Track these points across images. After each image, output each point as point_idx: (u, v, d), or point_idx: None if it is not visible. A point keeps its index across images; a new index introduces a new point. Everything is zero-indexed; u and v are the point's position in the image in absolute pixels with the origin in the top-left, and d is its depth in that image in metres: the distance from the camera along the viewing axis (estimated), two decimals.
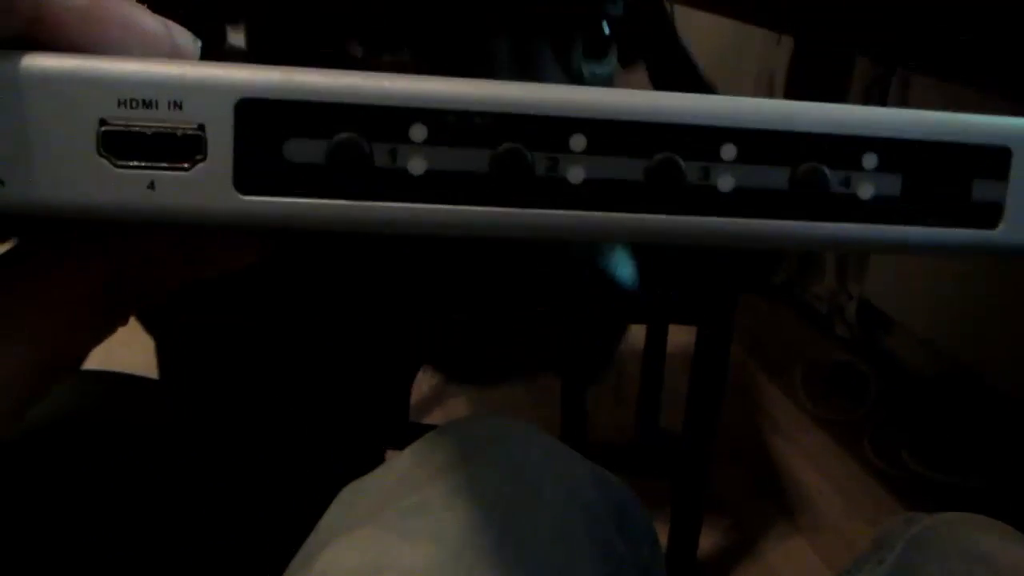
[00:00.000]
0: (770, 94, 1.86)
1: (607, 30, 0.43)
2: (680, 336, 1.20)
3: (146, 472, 0.47)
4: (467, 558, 0.32)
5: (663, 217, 0.19)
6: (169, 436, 0.50)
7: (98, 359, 0.28)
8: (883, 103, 1.53)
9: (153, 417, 0.52)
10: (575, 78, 0.42)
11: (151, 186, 0.18)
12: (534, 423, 0.41)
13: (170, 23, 0.20)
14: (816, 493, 1.25)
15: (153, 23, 0.19)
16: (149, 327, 0.60)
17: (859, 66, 1.54)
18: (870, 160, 0.20)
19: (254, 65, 0.19)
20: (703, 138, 0.19)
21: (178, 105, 0.18)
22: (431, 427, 0.42)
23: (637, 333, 1.34)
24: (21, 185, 0.18)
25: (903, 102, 1.49)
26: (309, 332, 0.55)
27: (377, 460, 0.40)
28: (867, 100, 1.54)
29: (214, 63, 0.19)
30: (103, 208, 0.18)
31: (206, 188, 0.18)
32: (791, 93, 1.60)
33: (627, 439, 1.31)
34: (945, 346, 1.40)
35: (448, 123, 0.19)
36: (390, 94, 0.19)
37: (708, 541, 1.14)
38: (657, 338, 1.26)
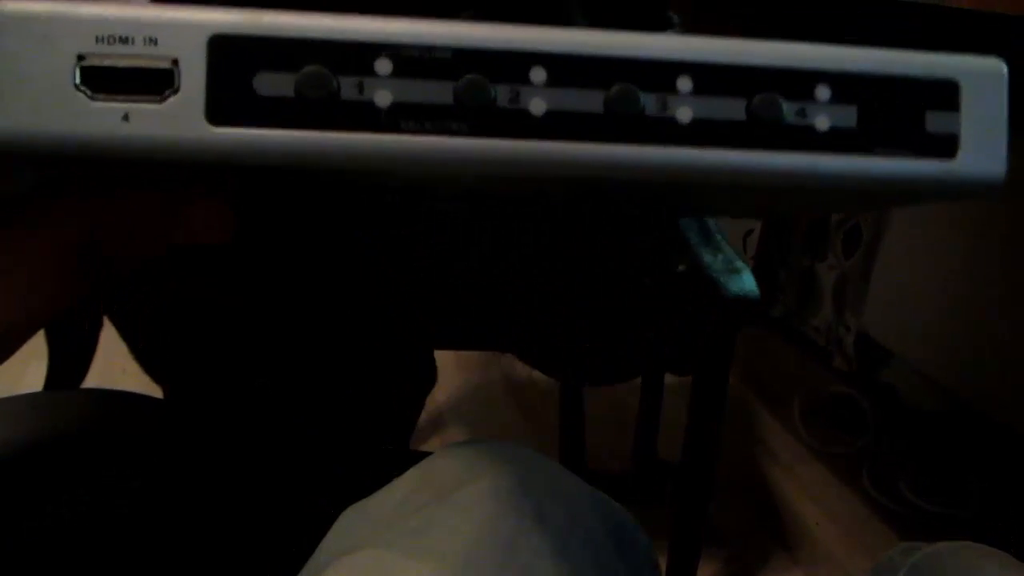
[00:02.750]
0: None
1: (677, 20, 0.45)
2: None
3: (148, 491, 0.47)
4: None
5: (623, 147, 0.20)
6: (171, 455, 0.50)
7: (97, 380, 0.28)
8: None
9: (155, 436, 0.51)
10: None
11: (125, 118, 0.19)
12: (534, 448, 0.41)
13: None
14: (814, 525, 1.25)
15: None
16: (155, 373, 0.60)
17: None
18: (823, 92, 0.21)
19: (225, 7, 0.20)
20: (660, 71, 0.20)
21: (153, 41, 0.19)
22: (428, 454, 0.42)
23: None
24: (1, 119, 0.18)
25: None
26: (320, 348, 0.55)
27: (380, 485, 0.40)
28: None
29: (188, 4, 0.20)
30: (78, 140, 0.19)
31: (178, 120, 0.19)
32: None
33: (625, 468, 1.31)
34: (943, 378, 1.40)
35: (412, 57, 0.19)
36: (355, 30, 0.19)
37: (706, 572, 1.13)
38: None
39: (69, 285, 0.22)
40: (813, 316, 1.67)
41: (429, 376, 0.81)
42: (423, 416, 1.40)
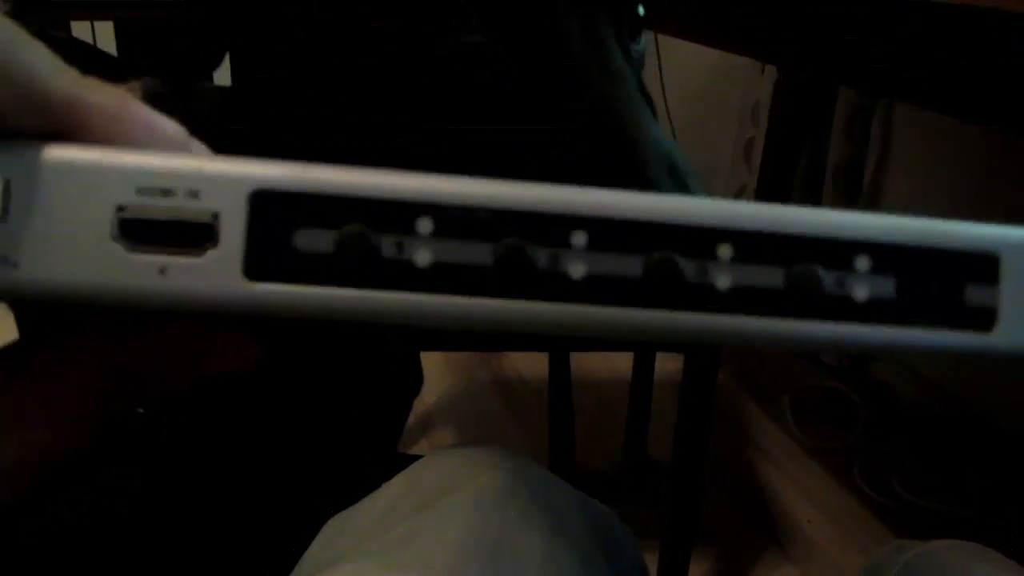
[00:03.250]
0: (754, 123, 1.88)
1: (641, 12, 0.47)
2: (667, 364, 1.20)
3: (147, 491, 0.46)
4: None
5: (661, 313, 0.20)
6: (156, 463, 0.50)
7: None
8: (866, 132, 1.54)
9: (150, 438, 0.51)
10: (625, 52, 0.47)
11: (163, 272, 0.19)
12: (522, 452, 0.41)
13: (190, 136, 0.20)
14: (806, 522, 1.25)
15: (174, 129, 0.20)
16: None
17: (842, 96, 1.56)
18: (863, 263, 0.21)
19: (268, 159, 0.19)
20: (700, 238, 0.20)
21: (195, 194, 0.19)
22: (417, 457, 0.41)
23: (625, 361, 1.34)
24: (35, 268, 0.18)
25: (886, 131, 1.50)
26: (306, 358, 0.55)
27: (367, 490, 0.40)
28: (849, 128, 1.56)
29: (230, 157, 0.19)
30: (115, 292, 0.19)
31: (217, 274, 0.19)
32: (775, 122, 1.62)
33: (615, 467, 1.30)
34: (933, 374, 1.40)
35: (453, 217, 0.19)
36: (398, 189, 0.19)
37: (697, 571, 1.13)
38: (644, 366, 1.25)
39: (92, 417, 0.21)
40: None
41: (415, 381, 0.81)
42: (412, 418, 1.40)
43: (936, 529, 1.19)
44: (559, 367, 1.19)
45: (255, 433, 0.57)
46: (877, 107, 1.51)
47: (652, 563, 1.03)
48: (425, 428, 1.42)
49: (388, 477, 0.40)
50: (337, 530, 0.38)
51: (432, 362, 1.52)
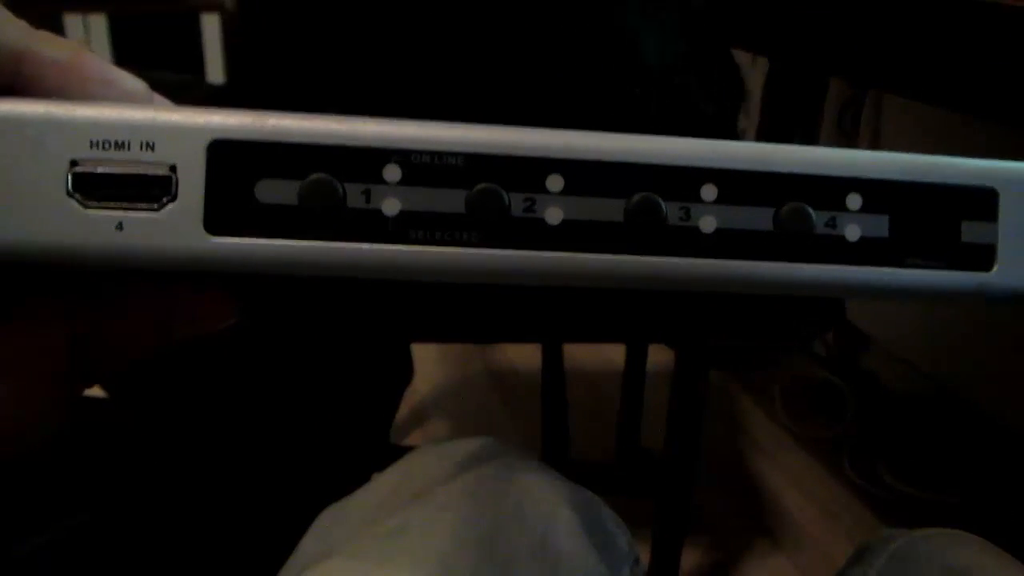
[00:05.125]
0: (745, 114, 1.88)
1: None
2: (660, 355, 1.20)
3: (125, 492, 0.46)
4: None
5: (644, 259, 0.19)
6: (148, 455, 0.50)
7: None
8: (856, 123, 1.55)
9: (130, 439, 0.51)
10: None
11: (119, 227, 0.18)
12: (515, 443, 0.41)
13: (151, 91, 0.19)
14: (797, 511, 1.25)
15: (134, 83, 0.19)
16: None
17: (833, 87, 1.56)
18: (855, 201, 0.20)
19: (226, 108, 0.19)
20: (683, 179, 0.19)
21: (150, 146, 0.18)
22: (410, 448, 0.41)
23: (617, 352, 1.34)
24: None
25: (876, 122, 1.51)
26: (296, 349, 0.55)
27: (360, 481, 0.40)
28: (840, 120, 1.56)
29: (186, 107, 0.19)
30: (71, 250, 0.18)
31: (175, 229, 0.18)
32: (766, 112, 1.62)
33: (608, 457, 1.31)
34: (922, 363, 1.41)
35: (422, 164, 0.19)
36: (363, 135, 0.19)
37: (690, 560, 1.14)
38: (636, 357, 1.26)
39: (58, 392, 0.20)
40: None
41: (405, 372, 0.81)
42: (406, 409, 1.40)
43: (925, 517, 1.20)
44: (552, 358, 1.19)
45: (247, 426, 0.57)
46: (867, 98, 1.52)
47: (644, 552, 1.03)
48: (418, 419, 1.42)
49: (381, 468, 0.40)
50: (330, 521, 0.38)
51: (425, 353, 1.52)
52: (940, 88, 0.65)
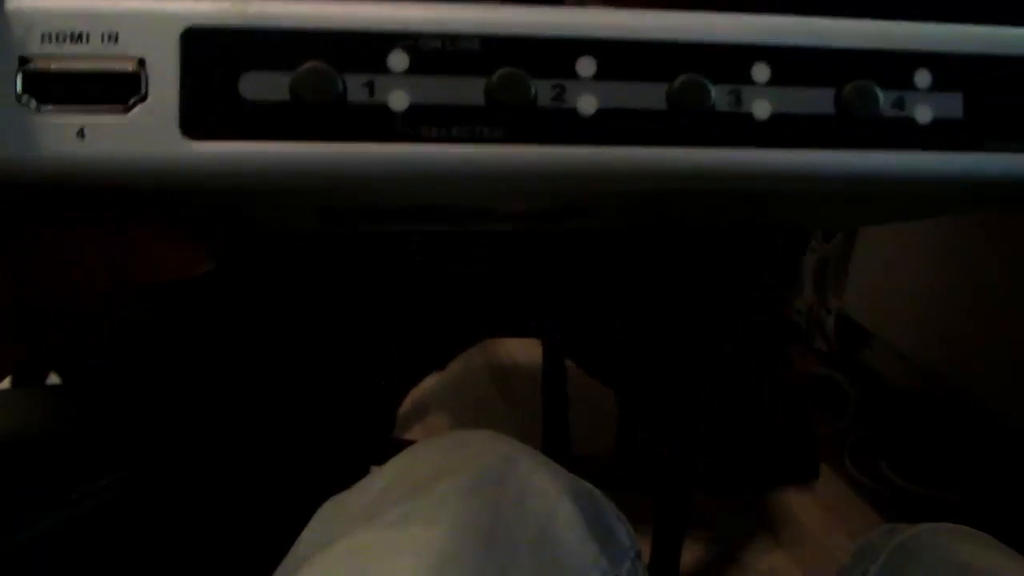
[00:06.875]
0: None
1: None
2: None
3: (124, 483, 0.46)
4: (448, 574, 0.32)
5: (690, 150, 0.17)
6: (145, 446, 0.50)
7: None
8: None
9: (130, 430, 0.51)
10: None
11: (80, 134, 0.15)
12: (516, 436, 0.41)
13: None
14: (797, 507, 1.25)
15: None
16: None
17: None
18: (924, 78, 0.17)
19: None
20: (732, 58, 0.17)
21: (113, 38, 0.15)
22: (411, 442, 0.41)
23: None
24: None
25: None
26: (299, 342, 0.55)
27: (360, 474, 0.40)
28: None
29: None
30: (25, 163, 0.15)
31: (147, 133, 0.15)
32: None
33: (609, 452, 1.31)
34: (923, 359, 1.41)
35: (433, 49, 0.16)
36: (364, 17, 0.16)
37: (691, 555, 1.14)
38: None
39: (5, 344, 0.18)
40: (794, 297, 1.68)
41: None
42: (407, 403, 1.40)
43: (926, 513, 1.20)
44: (553, 352, 1.19)
45: (249, 417, 0.57)
46: None
47: (645, 547, 1.03)
48: (420, 413, 1.42)
49: (382, 462, 0.40)
50: (331, 514, 0.38)
51: None
52: None
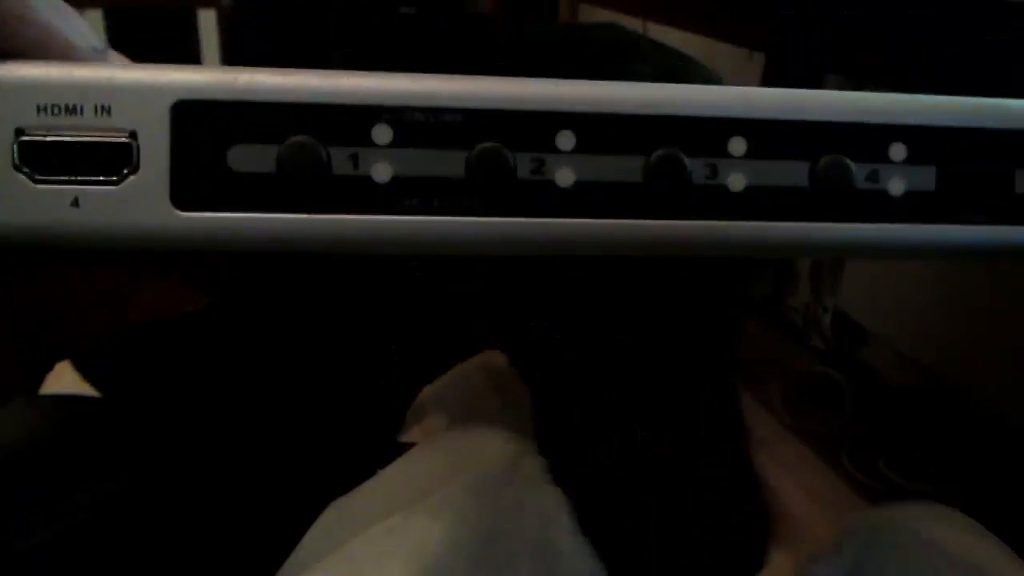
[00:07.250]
0: None
1: None
2: None
3: (126, 488, 0.47)
4: None
5: (666, 223, 0.17)
6: (148, 451, 0.50)
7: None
8: None
9: (130, 433, 0.51)
10: None
11: (75, 203, 0.16)
12: (515, 439, 0.41)
13: (107, 46, 0.17)
14: (795, 504, 1.26)
15: (80, 31, 0.17)
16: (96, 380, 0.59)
17: (829, 83, 1.56)
18: (899, 151, 0.18)
19: (191, 65, 0.17)
20: (709, 131, 0.17)
21: (106, 110, 0.16)
22: (412, 445, 0.42)
23: None
24: None
25: None
26: (303, 346, 0.55)
27: (366, 476, 0.40)
28: None
29: (146, 64, 0.16)
30: (23, 230, 0.16)
31: (138, 204, 0.16)
32: None
33: (608, 454, 1.31)
34: (920, 356, 1.42)
35: (415, 122, 0.16)
36: (348, 92, 0.16)
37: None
38: None
39: (8, 366, 0.18)
40: (791, 297, 1.68)
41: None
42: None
43: None
44: (540, 359, 1.20)
45: (254, 420, 0.57)
46: None
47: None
48: (418, 415, 1.42)
49: (384, 464, 0.41)
50: (335, 517, 0.38)
51: None
52: (938, 84, 0.65)
